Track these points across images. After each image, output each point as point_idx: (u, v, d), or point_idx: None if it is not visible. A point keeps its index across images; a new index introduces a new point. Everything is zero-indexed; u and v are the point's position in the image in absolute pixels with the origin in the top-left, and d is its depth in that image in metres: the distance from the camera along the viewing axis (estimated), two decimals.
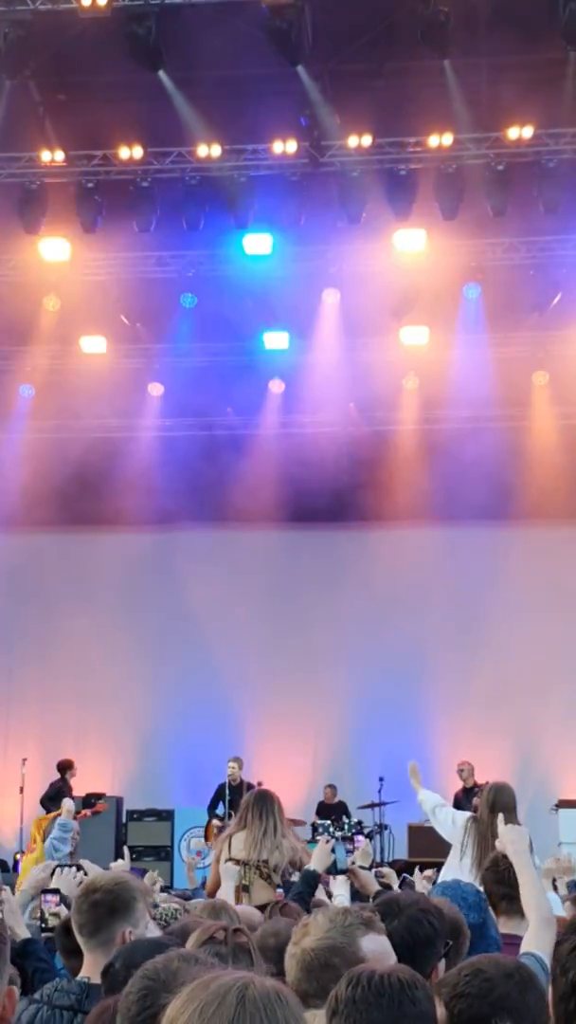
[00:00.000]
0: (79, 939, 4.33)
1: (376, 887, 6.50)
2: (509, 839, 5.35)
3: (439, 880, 8.21)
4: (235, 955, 3.01)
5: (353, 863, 6.90)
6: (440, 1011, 3.15)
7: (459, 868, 8.29)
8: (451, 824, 8.93)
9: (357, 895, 7.31)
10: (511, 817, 8.31)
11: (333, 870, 6.89)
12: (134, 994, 2.40)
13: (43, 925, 5.92)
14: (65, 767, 17.18)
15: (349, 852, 6.88)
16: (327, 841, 6.99)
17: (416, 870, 9.99)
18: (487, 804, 8.54)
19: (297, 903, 6.67)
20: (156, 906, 5.75)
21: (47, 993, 4.17)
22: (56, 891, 6.04)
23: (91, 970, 4.23)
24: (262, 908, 6.74)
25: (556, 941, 2.51)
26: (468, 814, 8.93)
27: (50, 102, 16.40)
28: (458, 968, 3.27)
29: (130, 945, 3.86)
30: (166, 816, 18.88)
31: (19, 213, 16.27)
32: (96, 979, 4.13)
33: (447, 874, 8.35)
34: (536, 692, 19.29)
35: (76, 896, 4.45)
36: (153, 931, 4.68)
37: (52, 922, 5.84)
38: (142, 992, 2.39)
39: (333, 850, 6.81)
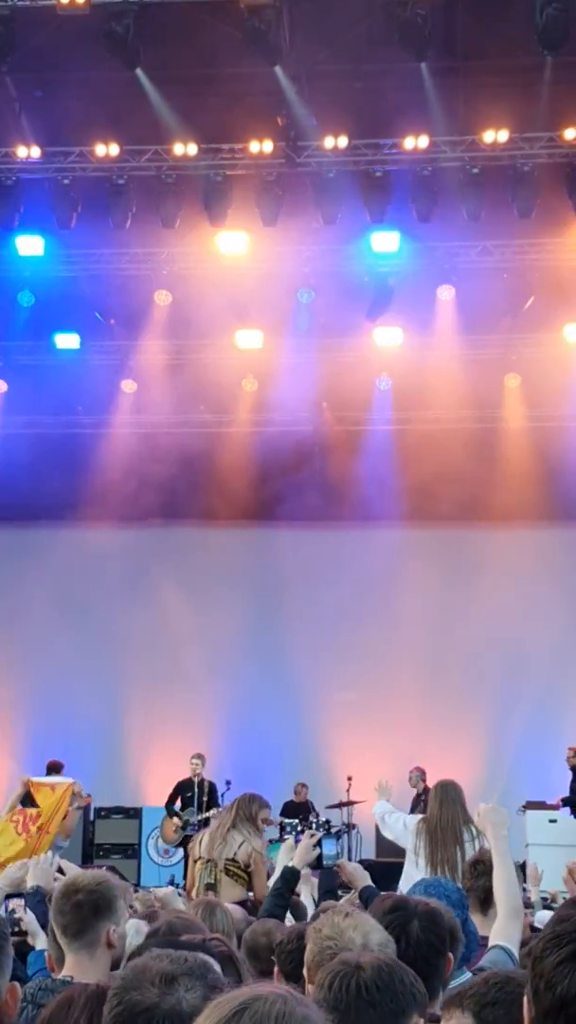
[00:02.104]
0: (62, 940, 4.35)
1: (365, 881, 6.52)
2: (490, 820, 5.37)
3: (400, 888, 8.20)
4: (222, 967, 3.03)
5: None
6: (466, 1020, 3.19)
7: (416, 873, 8.15)
8: (402, 828, 8.91)
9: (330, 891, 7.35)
10: (459, 811, 8.37)
11: (318, 865, 6.89)
12: (110, 993, 2.44)
13: (14, 930, 5.89)
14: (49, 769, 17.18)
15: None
16: (311, 836, 6.99)
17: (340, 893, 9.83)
18: (436, 800, 8.57)
19: (274, 900, 6.68)
20: (132, 906, 5.77)
21: (31, 992, 4.19)
22: (20, 895, 6.03)
23: (74, 969, 4.26)
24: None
25: (537, 955, 2.43)
26: (419, 816, 8.92)
27: (26, 98, 16.36)
28: (483, 978, 3.31)
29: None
30: (134, 814, 18.86)
31: None
32: (79, 978, 4.16)
33: (406, 883, 8.30)
34: (504, 694, 19.37)
35: (56, 897, 4.45)
36: (143, 926, 4.72)
37: (20, 927, 5.84)
38: (114, 991, 2.43)
39: (320, 845, 6.81)
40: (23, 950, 5.82)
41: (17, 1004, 3.35)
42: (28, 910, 5.90)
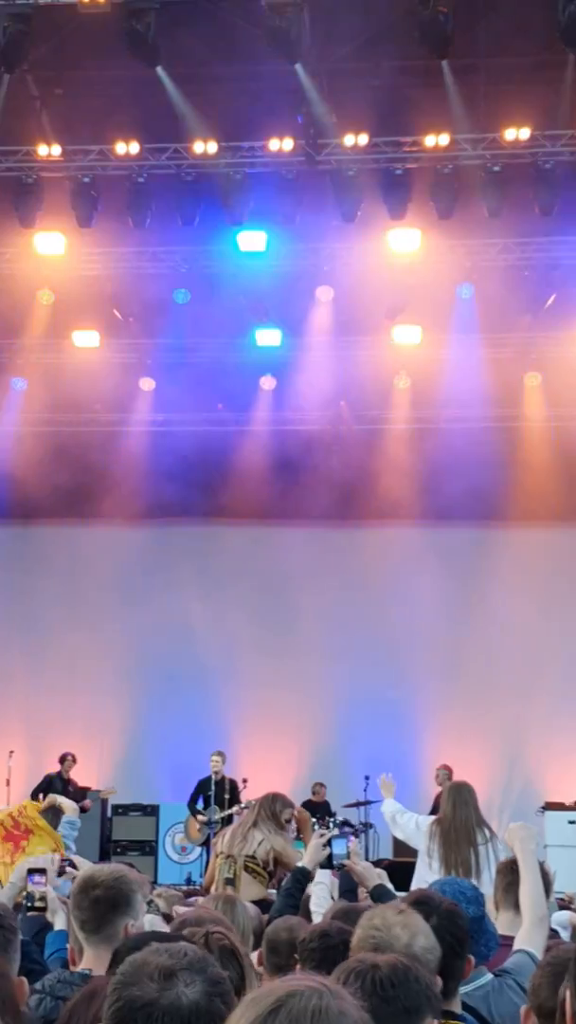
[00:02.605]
0: (80, 935, 4.35)
1: (375, 880, 6.51)
2: (519, 836, 5.39)
3: (413, 884, 8.18)
4: (221, 960, 3.02)
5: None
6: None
7: (429, 875, 8.09)
8: (414, 828, 8.84)
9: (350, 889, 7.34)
10: (472, 812, 8.34)
11: (328, 864, 6.87)
12: (110, 989, 2.43)
13: (29, 904, 5.94)
14: (61, 759, 17.25)
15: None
16: (320, 836, 6.98)
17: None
18: (450, 801, 8.53)
19: (284, 899, 6.67)
20: (150, 902, 5.78)
21: (49, 984, 4.20)
22: (43, 871, 6.06)
23: (92, 962, 4.26)
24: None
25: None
26: (432, 817, 8.84)
27: (48, 96, 16.38)
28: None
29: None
30: (151, 811, 18.90)
31: (14, 206, 16.25)
32: (98, 971, 4.16)
33: (418, 884, 8.21)
34: (523, 694, 19.33)
35: (74, 892, 4.45)
36: (160, 926, 4.71)
37: (39, 904, 5.89)
38: (113, 986, 2.41)
39: (330, 844, 6.80)
40: (44, 927, 5.84)
41: (25, 998, 3.34)
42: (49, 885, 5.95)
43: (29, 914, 5.82)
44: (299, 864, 6.88)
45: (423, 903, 4.07)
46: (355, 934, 3.67)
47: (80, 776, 18.14)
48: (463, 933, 4.14)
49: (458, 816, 8.34)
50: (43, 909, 5.91)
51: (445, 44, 14.33)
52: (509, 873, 5.67)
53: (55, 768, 17.33)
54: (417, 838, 8.71)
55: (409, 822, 8.96)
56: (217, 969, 2.47)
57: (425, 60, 14.94)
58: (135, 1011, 2.33)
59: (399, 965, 3.03)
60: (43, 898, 5.89)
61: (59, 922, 5.62)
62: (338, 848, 6.72)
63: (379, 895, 6.24)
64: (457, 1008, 4.12)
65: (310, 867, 6.84)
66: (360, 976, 2.97)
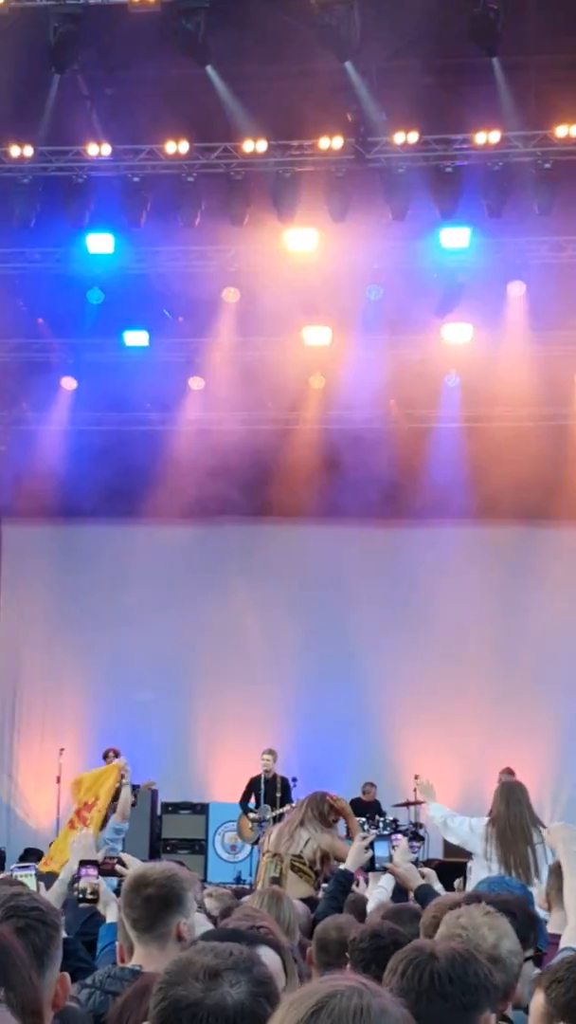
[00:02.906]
0: (132, 933, 4.36)
1: (419, 881, 6.50)
2: (560, 837, 5.37)
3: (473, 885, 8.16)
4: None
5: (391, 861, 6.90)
6: (540, 997, 3.22)
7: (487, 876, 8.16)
8: (468, 831, 8.72)
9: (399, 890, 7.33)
10: (525, 812, 8.30)
11: (371, 867, 6.89)
12: (155, 987, 2.44)
13: (80, 896, 6.01)
14: (104, 755, 17.29)
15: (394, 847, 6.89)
16: (362, 839, 7.00)
17: None
18: (503, 800, 8.50)
19: (328, 902, 6.69)
20: (201, 904, 5.79)
21: (99, 978, 4.22)
22: (95, 863, 6.13)
23: (143, 959, 4.27)
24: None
25: None
26: (485, 819, 8.73)
27: (97, 96, 16.45)
28: (563, 958, 3.35)
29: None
30: (201, 810, 18.93)
31: (65, 206, 16.32)
32: (148, 967, 4.17)
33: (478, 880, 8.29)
34: (572, 693, 19.24)
35: (126, 891, 4.47)
36: (205, 924, 4.72)
37: (90, 896, 5.96)
38: (159, 985, 2.42)
39: (372, 846, 6.81)
40: (97, 920, 5.89)
41: (67, 995, 3.34)
42: (101, 877, 6.01)
43: (81, 906, 5.89)
44: (341, 867, 6.91)
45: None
46: (439, 931, 3.66)
47: (133, 774, 18.18)
48: (470, 983, 4.09)
49: (512, 815, 8.31)
50: (95, 901, 5.96)
51: (495, 41, 14.28)
52: (560, 873, 5.65)
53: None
54: (473, 841, 8.63)
55: (462, 826, 8.85)
56: (263, 969, 2.47)
57: (475, 57, 14.88)
58: (180, 1011, 2.33)
59: (457, 957, 3.01)
60: (95, 891, 5.96)
61: (111, 914, 5.66)
62: (380, 851, 6.72)
63: (423, 896, 6.23)
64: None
65: (352, 869, 6.86)
66: (418, 968, 2.95)
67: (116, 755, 17.10)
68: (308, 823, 9.15)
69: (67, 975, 3.34)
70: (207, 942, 2.59)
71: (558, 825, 5.61)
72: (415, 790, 17.45)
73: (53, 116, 15.60)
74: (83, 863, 6.15)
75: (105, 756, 17.31)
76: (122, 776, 12.38)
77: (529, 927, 4.52)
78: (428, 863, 14.90)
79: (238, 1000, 2.33)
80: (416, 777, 9.72)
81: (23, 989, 2.38)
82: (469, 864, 9.35)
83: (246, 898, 7.17)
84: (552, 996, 3.25)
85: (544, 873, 7.66)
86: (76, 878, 6.11)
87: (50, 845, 13.32)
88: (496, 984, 3.09)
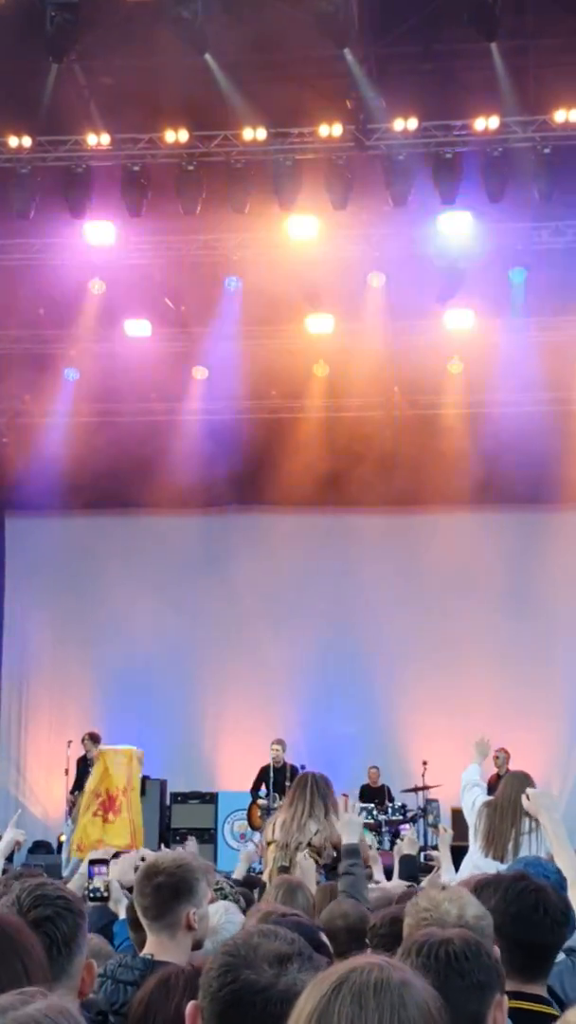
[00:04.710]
0: (143, 921, 4.37)
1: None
2: (542, 804, 5.36)
3: (461, 868, 8.25)
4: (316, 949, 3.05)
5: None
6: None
7: (476, 854, 8.25)
8: (471, 807, 8.88)
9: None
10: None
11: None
12: (215, 970, 2.42)
13: (92, 895, 6.04)
14: (93, 738, 17.28)
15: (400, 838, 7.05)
16: (347, 810, 7.15)
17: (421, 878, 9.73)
18: (508, 786, 8.56)
19: (347, 880, 6.72)
20: (220, 889, 5.80)
21: (111, 968, 4.23)
22: (104, 861, 6.17)
23: (154, 948, 4.28)
24: None
25: None
26: (486, 799, 8.82)
27: (96, 85, 16.40)
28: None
29: None
30: (210, 799, 18.96)
31: (65, 196, 16.29)
32: (160, 956, 4.19)
33: (468, 861, 8.39)
34: None
35: (138, 879, 4.48)
36: (235, 912, 4.73)
37: (103, 894, 5.99)
38: (223, 968, 2.41)
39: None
40: (111, 918, 5.92)
41: (94, 980, 3.38)
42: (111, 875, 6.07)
43: (92, 904, 5.90)
44: (345, 843, 7.09)
45: (522, 879, 4.14)
46: (406, 923, 3.68)
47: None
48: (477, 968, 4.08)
49: (506, 796, 8.35)
50: (106, 899, 5.98)
51: (494, 26, 14.25)
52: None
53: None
54: (470, 816, 8.76)
55: (470, 800, 8.96)
56: (321, 956, 2.49)
57: (474, 43, 14.84)
58: (253, 994, 2.35)
59: (471, 940, 3.05)
60: (106, 888, 5.98)
61: (122, 911, 5.68)
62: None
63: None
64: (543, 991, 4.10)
65: (356, 841, 7.07)
66: (432, 948, 2.98)
67: (93, 739, 17.11)
68: (317, 812, 9.14)
69: (93, 963, 3.38)
70: (264, 926, 2.60)
71: (536, 791, 5.60)
72: (423, 775, 17.57)
73: (51, 106, 15.57)
74: (93, 862, 6.18)
75: (83, 741, 17.31)
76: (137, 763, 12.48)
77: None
78: (436, 848, 14.92)
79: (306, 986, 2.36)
80: (480, 738, 9.70)
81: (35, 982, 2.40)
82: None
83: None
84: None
85: (521, 854, 7.71)
86: (89, 876, 6.16)
87: (71, 835, 13.42)
88: (502, 971, 3.11)
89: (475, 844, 8.46)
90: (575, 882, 4.98)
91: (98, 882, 6.06)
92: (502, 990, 3.06)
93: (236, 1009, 2.36)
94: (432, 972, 2.90)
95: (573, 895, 4.81)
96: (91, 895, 6.03)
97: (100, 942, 5.12)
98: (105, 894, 6.00)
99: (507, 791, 8.48)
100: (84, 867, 6.43)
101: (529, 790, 5.66)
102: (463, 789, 9.16)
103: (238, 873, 8.26)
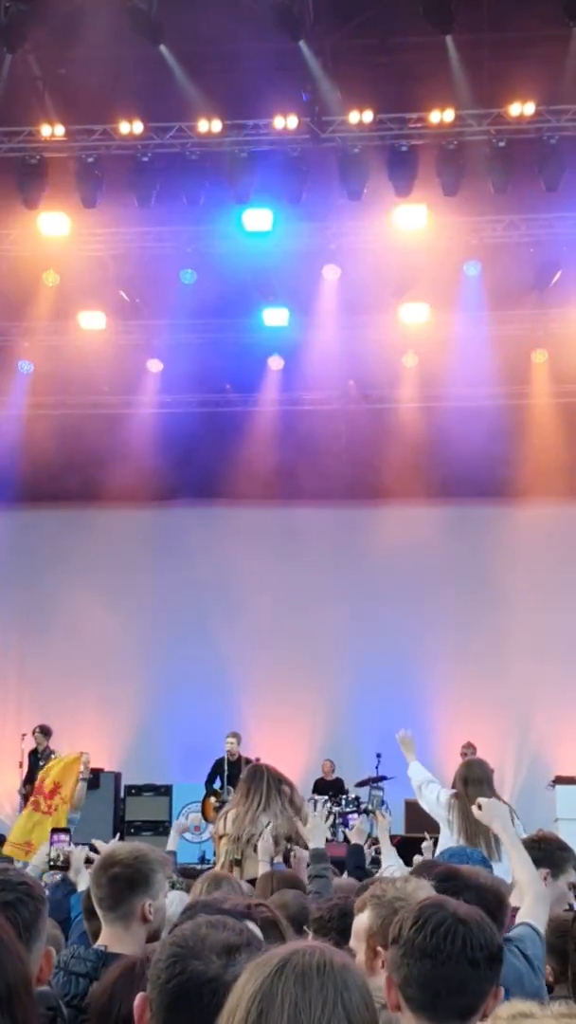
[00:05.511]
0: (98, 911, 4.36)
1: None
2: (492, 815, 5.39)
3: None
4: (264, 931, 3.03)
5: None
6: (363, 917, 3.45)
7: (452, 843, 8.31)
8: (436, 802, 8.93)
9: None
10: (485, 790, 8.40)
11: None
12: (163, 961, 2.40)
13: (52, 864, 6.06)
14: (44, 731, 17.20)
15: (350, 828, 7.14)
16: (315, 815, 7.25)
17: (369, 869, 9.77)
18: (461, 780, 8.65)
19: (319, 882, 6.78)
20: (174, 884, 5.79)
21: (64, 959, 4.21)
22: (67, 830, 6.20)
23: (108, 939, 4.27)
24: (252, 882, 6.81)
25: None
26: (452, 791, 8.94)
27: (50, 76, 16.31)
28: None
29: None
30: (164, 791, 18.91)
31: (18, 187, 16.22)
32: (114, 948, 4.17)
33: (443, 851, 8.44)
34: (532, 670, 19.33)
35: (94, 869, 4.47)
36: (178, 900, 4.71)
37: (61, 863, 6.02)
38: (171, 959, 2.39)
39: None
40: (69, 889, 5.94)
41: (52, 969, 3.37)
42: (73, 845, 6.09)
43: (52, 872, 5.94)
44: (312, 847, 7.25)
45: (451, 879, 4.09)
46: (367, 915, 3.68)
47: (94, 757, 18.19)
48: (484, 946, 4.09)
49: (471, 797, 8.38)
50: (65, 868, 6.01)
51: (449, 19, 14.28)
52: (526, 849, 5.70)
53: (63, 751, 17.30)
54: (438, 811, 8.80)
55: (432, 795, 9.02)
56: (269, 947, 2.49)
57: (429, 36, 14.85)
58: (201, 985, 2.33)
59: (484, 923, 3.06)
60: (66, 858, 6.01)
61: (82, 883, 5.69)
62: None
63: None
64: None
65: (322, 844, 7.21)
66: (449, 930, 2.99)
67: (44, 731, 17.04)
68: (272, 805, 9.11)
69: (52, 950, 3.37)
70: (212, 916, 2.58)
71: (487, 802, 5.63)
72: (377, 768, 17.61)
73: (5, 96, 15.48)
74: (55, 830, 6.22)
75: (34, 734, 17.23)
76: (83, 767, 12.42)
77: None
78: (390, 839, 14.95)
79: None
80: (400, 733, 9.75)
81: (13, 967, 2.38)
82: (424, 844, 9.47)
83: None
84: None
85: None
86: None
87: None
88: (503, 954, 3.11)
89: (452, 836, 8.49)
90: (528, 886, 5.01)
91: (56, 851, 6.08)
92: (500, 981, 3.06)
93: (184, 1000, 2.34)
94: (444, 955, 2.90)
95: (530, 911, 4.84)
96: (51, 863, 6.07)
97: (54, 930, 5.11)
98: (63, 863, 6.04)
99: (464, 785, 8.55)
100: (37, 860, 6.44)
101: (480, 800, 5.69)
102: (418, 789, 9.19)
103: (171, 844, 8.32)
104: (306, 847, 8.40)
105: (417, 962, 2.96)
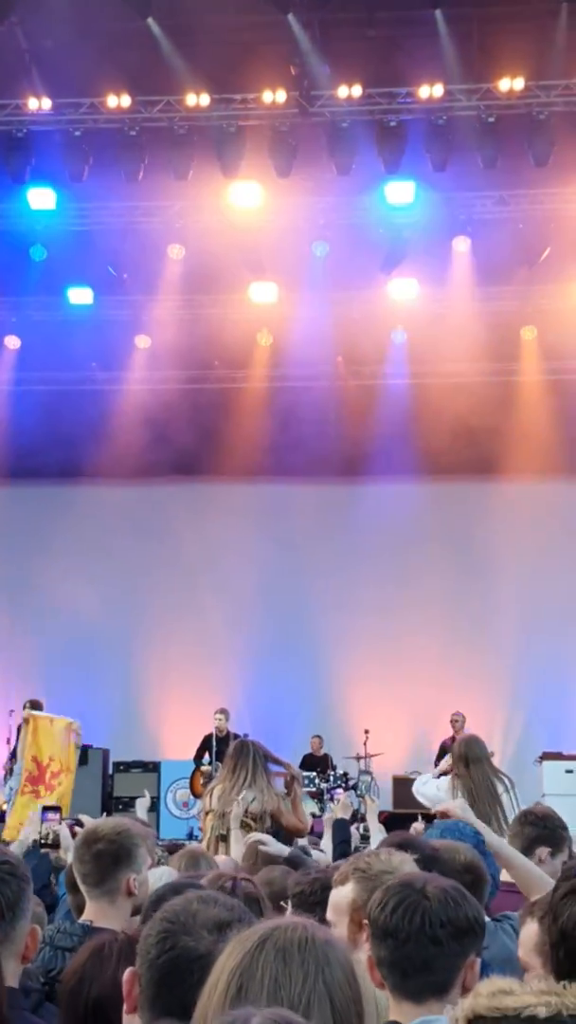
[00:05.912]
0: (82, 888, 4.36)
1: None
2: (470, 820, 5.36)
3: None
4: (246, 905, 3.03)
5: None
6: (531, 928, 3.38)
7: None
8: (435, 791, 8.89)
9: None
10: (486, 768, 8.41)
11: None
12: (153, 936, 2.40)
13: (42, 842, 6.07)
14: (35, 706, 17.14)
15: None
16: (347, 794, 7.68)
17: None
18: (460, 759, 8.58)
19: (342, 849, 6.99)
20: (160, 861, 5.81)
21: (49, 934, 4.22)
22: (56, 808, 6.22)
23: (93, 914, 4.28)
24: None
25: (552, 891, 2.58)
26: (447, 778, 8.87)
27: (37, 49, 16.20)
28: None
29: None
30: (153, 768, 18.93)
31: (5, 161, 16.15)
32: (99, 922, 4.17)
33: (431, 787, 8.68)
34: (520, 646, 19.37)
35: (77, 845, 4.48)
36: (167, 875, 4.72)
37: (51, 841, 6.03)
38: (161, 935, 2.39)
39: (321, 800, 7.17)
40: (59, 865, 5.95)
41: (37, 946, 3.36)
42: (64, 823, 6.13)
43: (42, 851, 5.94)
44: (337, 818, 8.14)
45: (406, 846, 4.07)
46: (351, 888, 3.66)
47: (84, 733, 18.21)
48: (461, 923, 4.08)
49: (475, 777, 8.37)
50: (56, 846, 6.02)
51: None
52: (516, 824, 5.69)
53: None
54: (442, 797, 8.75)
55: (430, 789, 8.98)
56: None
57: (418, 10, 14.80)
58: (191, 961, 2.33)
59: (449, 899, 3.03)
60: (56, 836, 6.02)
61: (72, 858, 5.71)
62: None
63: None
64: None
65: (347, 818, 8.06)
66: (409, 909, 2.98)
67: (34, 706, 16.98)
68: (259, 780, 9.12)
69: (37, 928, 3.37)
70: (202, 892, 2.57)
71: (454, 805, 5.62)
72: (365, 743, 17.67)
73: None
74: (45, 808, 6.23)
75: (24, 708, 17.17)
76: (75, 735, 12.38)
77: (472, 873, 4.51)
78: (364, 818, 15.01)
79: None
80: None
81: None
82: (415, 825, 9.49)
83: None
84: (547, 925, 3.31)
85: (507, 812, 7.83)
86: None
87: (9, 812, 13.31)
88: (483, 924, 3.10)
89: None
90: (543, 888, 4.96)
91: (46, 829, 6.09)
92: (478, 951, 3.05)
93: (174, 976, 2.34)
94: (404, 935, 2.90)
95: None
96: (41, 842, 6.07)
97: (38, 908, 5.11)
98: (53, 841, 6.05)
99: (465, 766, 8.51)
100: (37, 815, 6.47)
101: (447, 806, 5.69)
102: (422, 796, 9.10)
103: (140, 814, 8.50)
104: (289, 827, 8.46)
105: (381, 943, 2.97)
